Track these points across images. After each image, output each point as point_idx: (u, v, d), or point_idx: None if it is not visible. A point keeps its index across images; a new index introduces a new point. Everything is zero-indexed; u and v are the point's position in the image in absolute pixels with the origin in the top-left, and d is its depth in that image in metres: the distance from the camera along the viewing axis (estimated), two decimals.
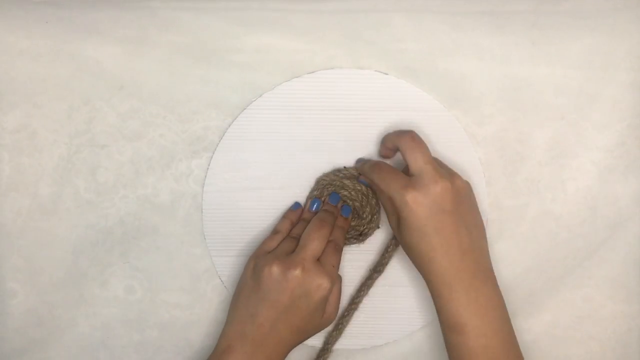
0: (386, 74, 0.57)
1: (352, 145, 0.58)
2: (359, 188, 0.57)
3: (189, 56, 0.57)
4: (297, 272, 0.51)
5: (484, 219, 0.57)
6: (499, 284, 0.57)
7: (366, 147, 0.58)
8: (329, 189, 0.57)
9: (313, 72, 0.57)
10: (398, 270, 0.59)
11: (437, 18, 0.56)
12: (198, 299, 0.59)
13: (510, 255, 0.58)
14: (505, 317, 0.51)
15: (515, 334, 0.51)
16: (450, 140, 0.57)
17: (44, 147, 0.57)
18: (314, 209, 0.57)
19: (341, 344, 0.59)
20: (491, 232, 0.58)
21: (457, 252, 0.50)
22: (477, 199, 0.53)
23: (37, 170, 0.57)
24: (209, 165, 0.58)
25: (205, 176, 0.58)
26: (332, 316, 0.55)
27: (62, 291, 0.58)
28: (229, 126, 0.57)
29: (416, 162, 0.51)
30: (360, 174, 0.57)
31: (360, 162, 0.57)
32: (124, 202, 0.58)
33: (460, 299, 0.50)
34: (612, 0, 0.55)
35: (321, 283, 0.52)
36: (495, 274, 0.57)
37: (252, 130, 0.57)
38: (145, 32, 0.56)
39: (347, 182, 0.57)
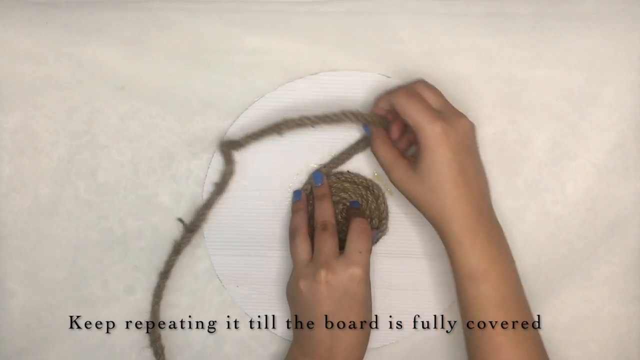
0: (389, 77, 0.57)
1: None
2: (359, 192, 0.57)
3: (189, 57, 0.57)
4: (322, 277, 0.51)
5: None
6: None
7: (366, 149, 0.58)
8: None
9: (316, 73, 0.57)
10: (396, 272, 0.59)
11: (437, 20, 0.56)
12: (198, 299, 0.59)
13: None
14: (516, 269, 0.51)
15: None
16: None
17: (44, 148, 0.57)
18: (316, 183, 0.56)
19: None
20: None
21: (477, 195, 0.49)
22: None
23: (37, 171, 0.57)
24: (208, 166, 0.58)
25: (205, 177, 0.58)
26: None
27: (62, 291, 0.58)
28: (230, 127, 0.57)
29: (418, 115, 0.48)
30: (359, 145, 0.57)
31: (328, 167, 0.57)
32: (123, 203, 0.58)
33: (483, 245, 0.49)
34: (612, 2, 0.55)
35: (352, 272, 0.51)
36: None
37: (252, 131, 0.57)
38: (145, 33, 0.56)
39: (347, 185, 0.57)
